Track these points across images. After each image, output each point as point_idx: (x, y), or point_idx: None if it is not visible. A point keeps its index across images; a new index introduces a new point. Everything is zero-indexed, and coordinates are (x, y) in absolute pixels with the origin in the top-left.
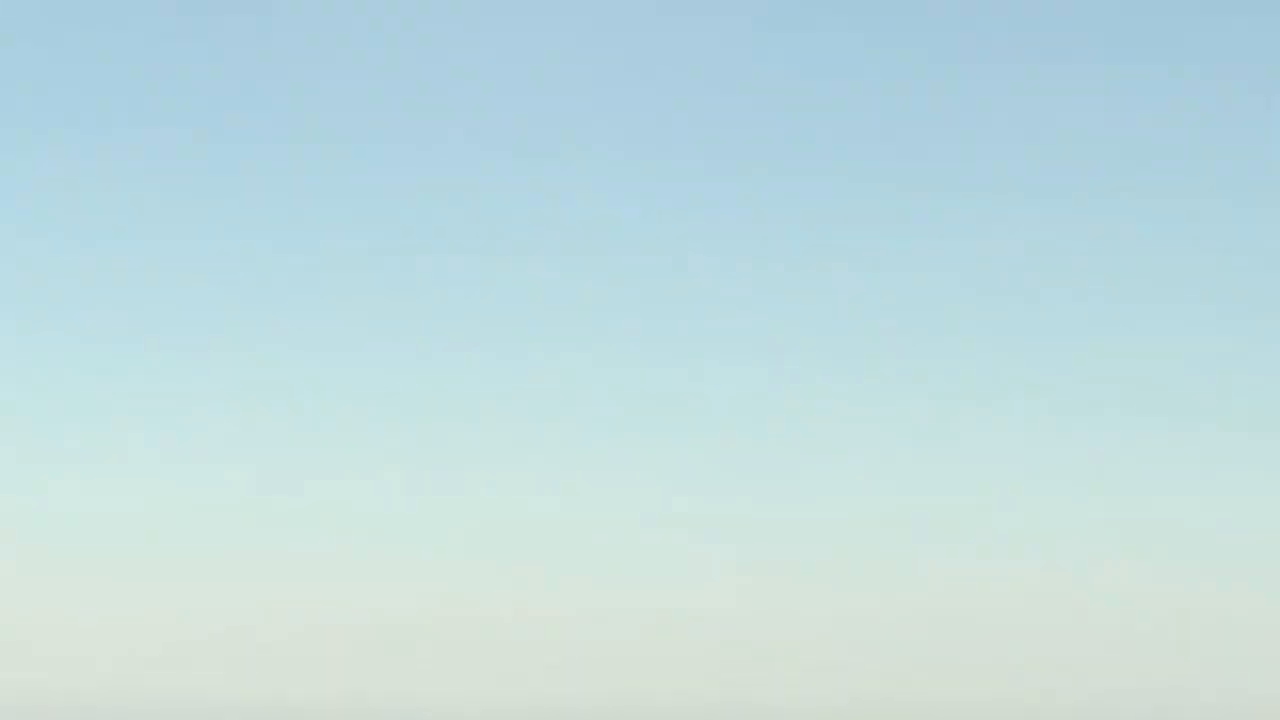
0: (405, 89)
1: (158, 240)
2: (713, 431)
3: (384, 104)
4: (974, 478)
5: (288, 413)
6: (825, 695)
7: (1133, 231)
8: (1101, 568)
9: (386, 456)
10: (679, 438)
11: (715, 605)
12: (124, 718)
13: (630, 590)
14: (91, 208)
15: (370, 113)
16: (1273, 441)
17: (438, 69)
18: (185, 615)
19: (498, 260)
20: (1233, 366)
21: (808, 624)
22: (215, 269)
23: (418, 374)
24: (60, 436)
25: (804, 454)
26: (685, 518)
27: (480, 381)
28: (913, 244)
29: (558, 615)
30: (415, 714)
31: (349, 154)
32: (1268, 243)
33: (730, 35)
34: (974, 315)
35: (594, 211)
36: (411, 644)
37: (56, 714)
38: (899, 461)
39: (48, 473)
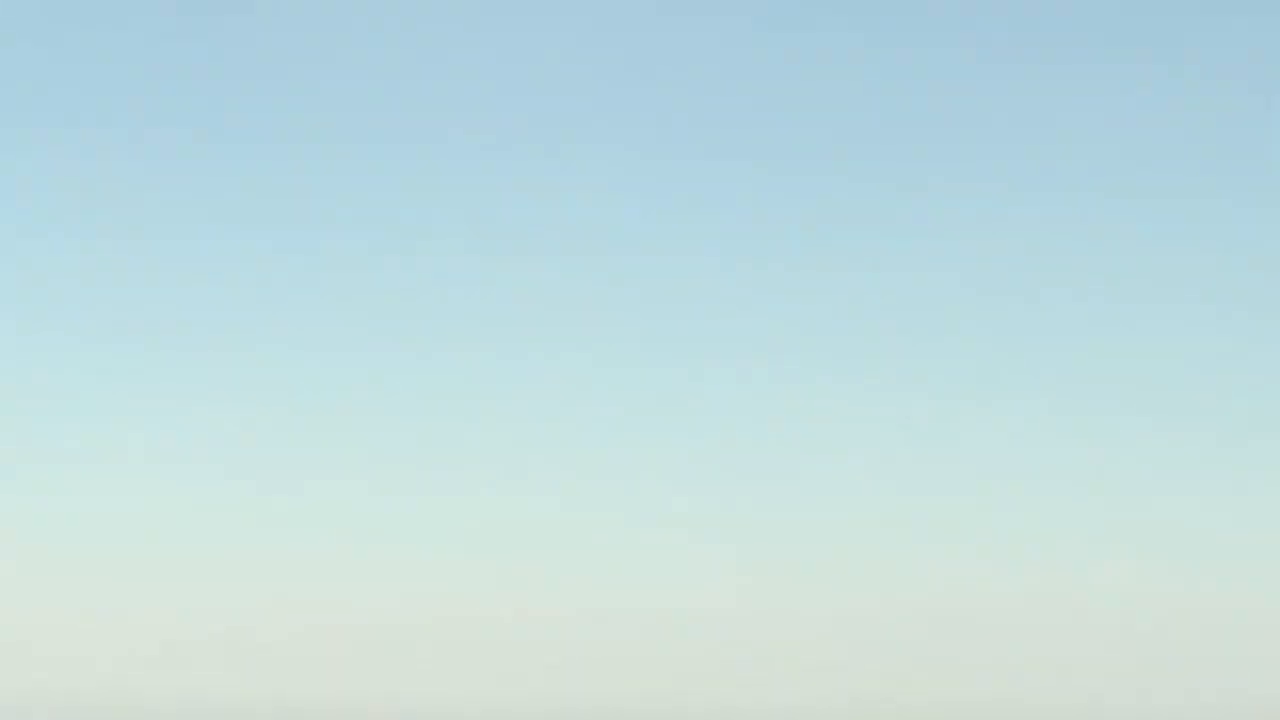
0: (405, 89)
1: (158, 240)
2: (713, 431)
3: (384, 104)
4: (974, 477)
5: (288, 412)
6: (825, 694)
7: (1133, 231)
8: (1100, 568)
9: (385, 456)
10: (678, 438)
11: (714, 605)
12: (125, 716)
13: (630, 590)
14: (92, 209)
15: (369, 112)
16: (1272, 442)
17: (437, 69)
18: (185, 615)
19: (498, 260)
20: (1232, 367)
21: (807, 623)
22: (216, 269)
23: (417, 373)
24: (60, 436)
25: (803, 454)
26: (685, 517)
27: (480, 381)
28: (913, 244)
29: (557, 615)
30: (416, 712)
31: (350, 154)
32: (1267, 243)
33: (730, 35)
34: (974, 315)
35: (594, 212)
36: (411, 643)
37: (58, 713)
38: (898, 461)
39: (48, 473)
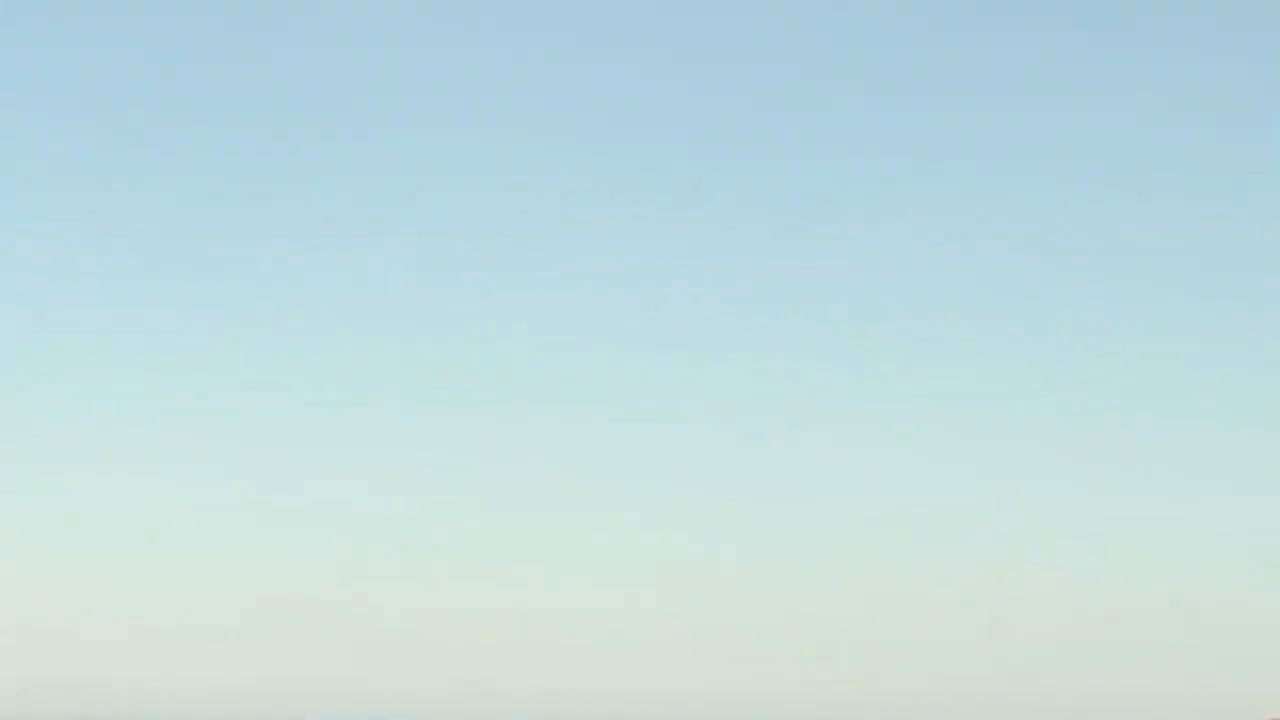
0: (403, 88)
1: (158, 237)
2: (708, 429)
3: (382, 99)
4: (965, 476)
5: (289, 411)
6: (825, 682)
7: (1138, 231)
8: (1086, 564)
9: (383, 454)
10: (666, 435)
11: (706, 600)
12: (128, 706)
13: (622, 586)
14: (89, 205)
15: (367, 111)
16: (1270, 442)
17: (421, 64)
18: (192, 607)
19: (499, 258)
20: (1232, 366)
21: (801, 616)
22: (218, 267)
23: (418, 371)
24: (67, 435)
25: (795, 452)
26: (676, 516)
27: (478, 379)
28: (914, 242)
29: (554, 609)
30: (417, 705)
31: (354, 153)
32: (1268, 244)
33: (720, 25)
34: (969, 313)
35: (594, 209)
36: (412, 636)
37: (62, 702)
38: (889, 460)
39: (52, 471)
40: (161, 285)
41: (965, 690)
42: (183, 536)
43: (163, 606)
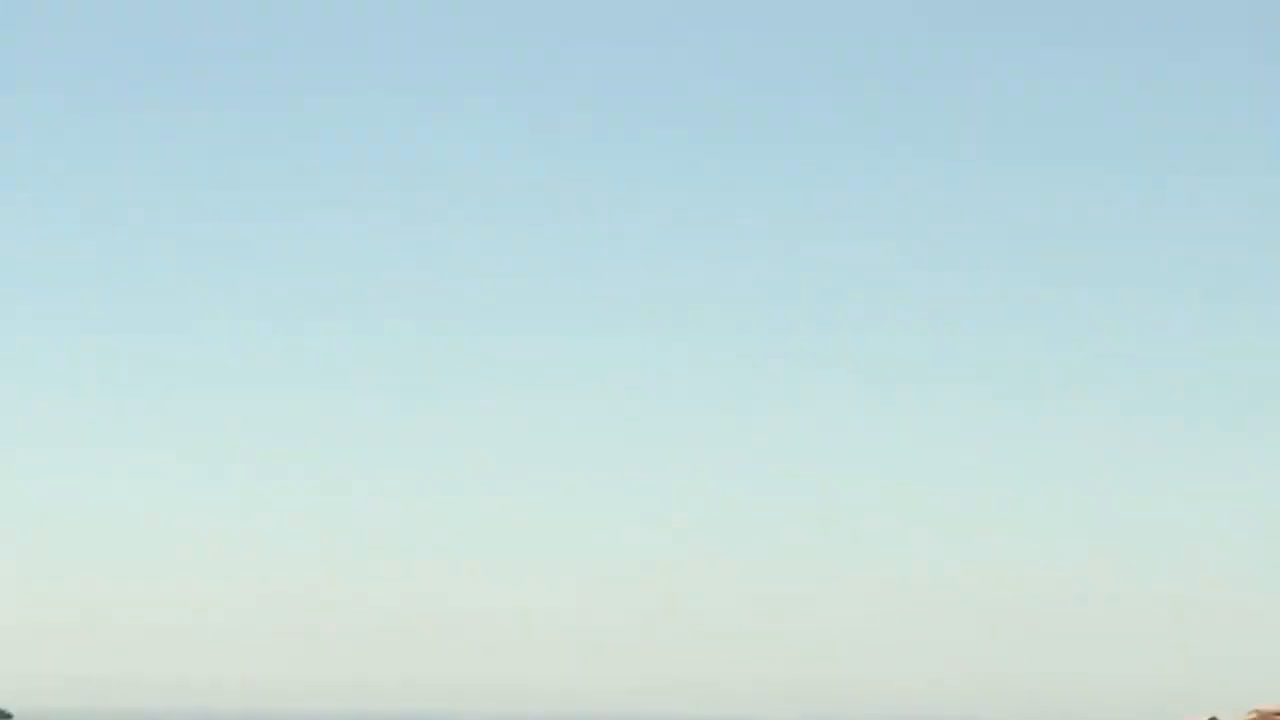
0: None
1: (152, 233)
2: (684, 427)
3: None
4: (961, 470)
5: (286, 405)
6: (824, 671)
7: (1133, 226)
8: (1087, 562)
9: (384, 452)
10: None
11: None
12: (131, 696)
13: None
14: (100, 206)
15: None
16: (1267, 440)
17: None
18: (199, 602)
19: (486, 252)
20: (1232, 361)
21: (792, 612)
22: (219, 260)
23: (420, 365)
24: (67, 426)
25: (777, 449)
26: (664, 515)
27: (474, 377)
28: (907, 231)
29: (551, 606)
30: (421, 687)
31: (364, 152)
32: (1267, 239)
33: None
34: (969, 307)
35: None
36: (414, 628)
37: (60, 699)
38: (881, 453)
39: (64, 466)
40: (160, 282)
41: (961, 681)
42: (182, 534)
43: (163, 603)
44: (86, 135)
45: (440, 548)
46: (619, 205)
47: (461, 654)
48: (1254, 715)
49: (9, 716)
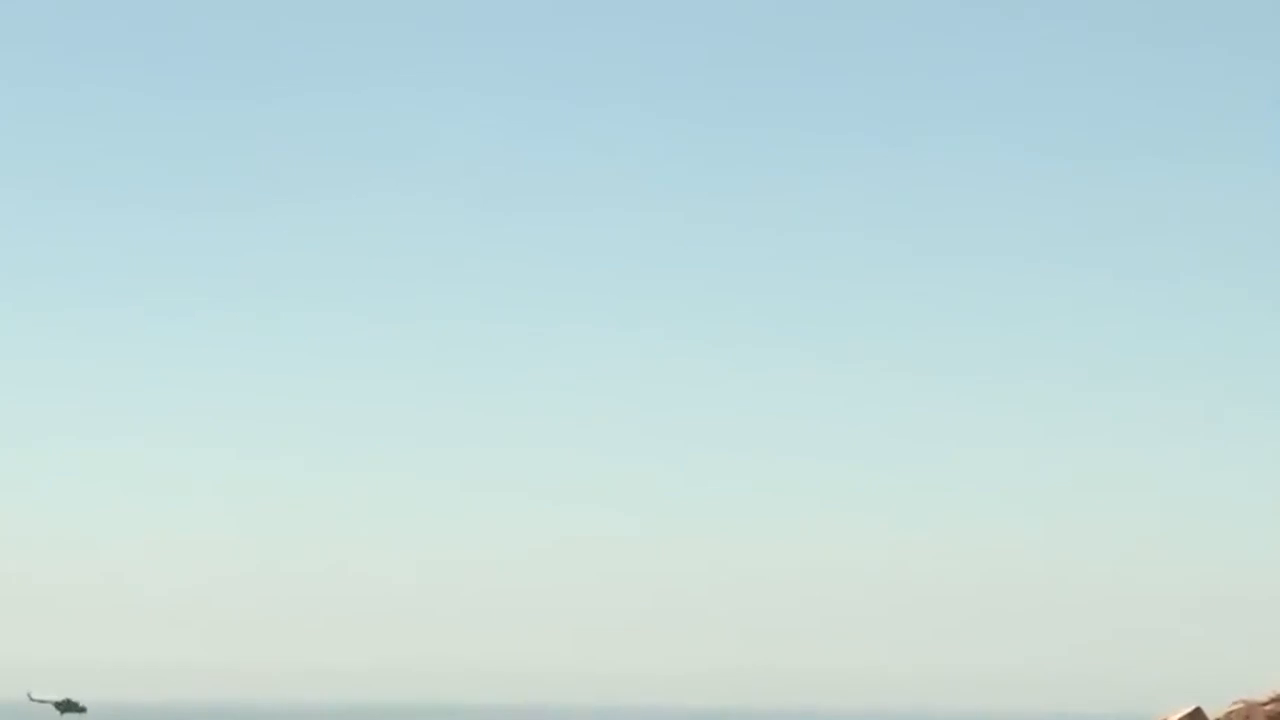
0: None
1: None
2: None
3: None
4: (937, 454)
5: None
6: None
7: (1139, 221)
8: (1075, 553)
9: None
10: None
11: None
12: (136, 686)
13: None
14: (106, 193)
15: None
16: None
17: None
18: (203, 589)
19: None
20: (1231, 362)
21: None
22: (211, 247)
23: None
24: (72, 419)
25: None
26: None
27: (468, 367)
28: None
29: (536, 590)
30: (430, 674)
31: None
32: (1266, 234)
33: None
34: (964, 300)
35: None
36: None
37: (71, 685)
38: (860, 436)
39: (61, 458)
40: (156, 265)
41: (946, 671)
42: (181, 525)
43: (159, 589)
44: (79, 124)
45: (416, 534)
46: (616, 194)
47: (454, 641)
48: (1239, 705)
49: (82, 709)
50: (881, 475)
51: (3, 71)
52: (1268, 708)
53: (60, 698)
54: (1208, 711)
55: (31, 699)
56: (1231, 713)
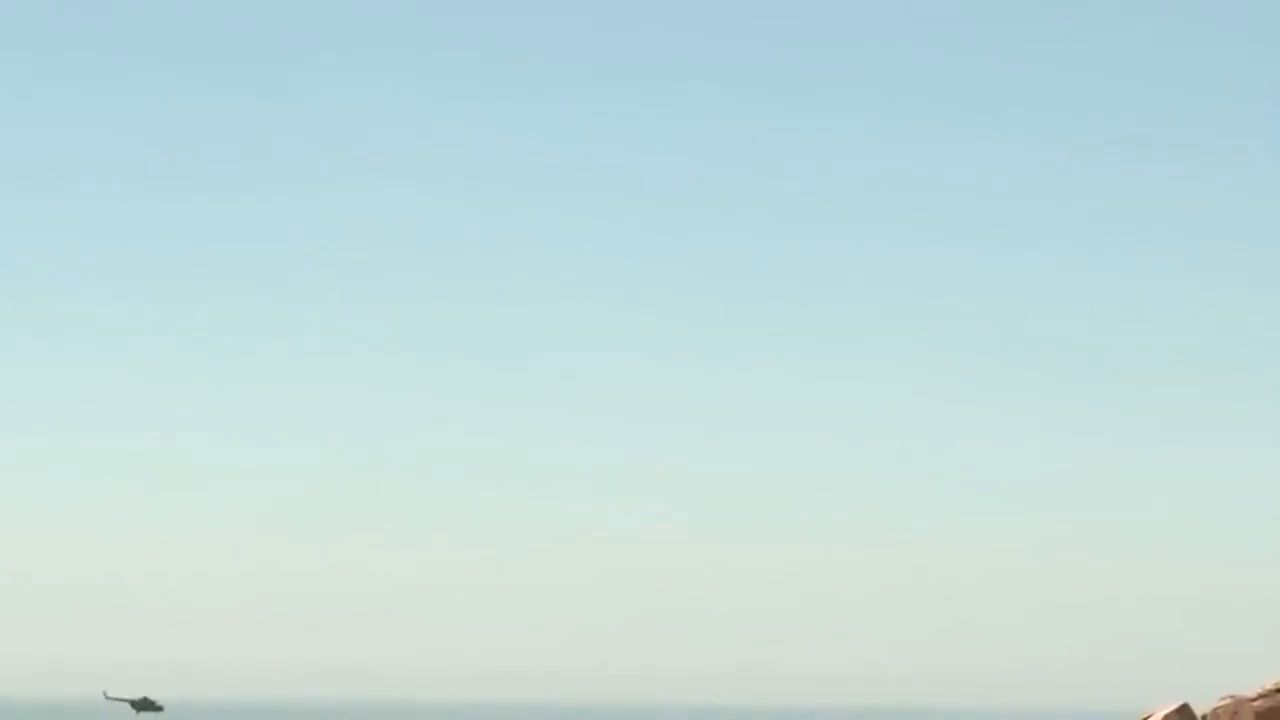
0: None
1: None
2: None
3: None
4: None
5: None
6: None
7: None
8: (1068, 551)
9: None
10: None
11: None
12: (138, 683)
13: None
14: (112, 184)
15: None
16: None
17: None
18: (212, 586)
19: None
20: (1230, 359)
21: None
22: (209, 240)
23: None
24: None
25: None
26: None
27: (464, 356)
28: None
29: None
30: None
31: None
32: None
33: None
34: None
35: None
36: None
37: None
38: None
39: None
40: (153, 264)
41: (941, 670)
42: (193, 524)
43: (159, 588)
44: (78, 117)
45: (417, 531)
46: (614, 183)
47: (454, 641)
48: (1228, 701)
49: (160, 708)
50: (881, 475)
51: None
52: (1256, 703)
53: (136, 696)
54: (1196, 708)
55: (107, 697)
56: (1220, 708)
